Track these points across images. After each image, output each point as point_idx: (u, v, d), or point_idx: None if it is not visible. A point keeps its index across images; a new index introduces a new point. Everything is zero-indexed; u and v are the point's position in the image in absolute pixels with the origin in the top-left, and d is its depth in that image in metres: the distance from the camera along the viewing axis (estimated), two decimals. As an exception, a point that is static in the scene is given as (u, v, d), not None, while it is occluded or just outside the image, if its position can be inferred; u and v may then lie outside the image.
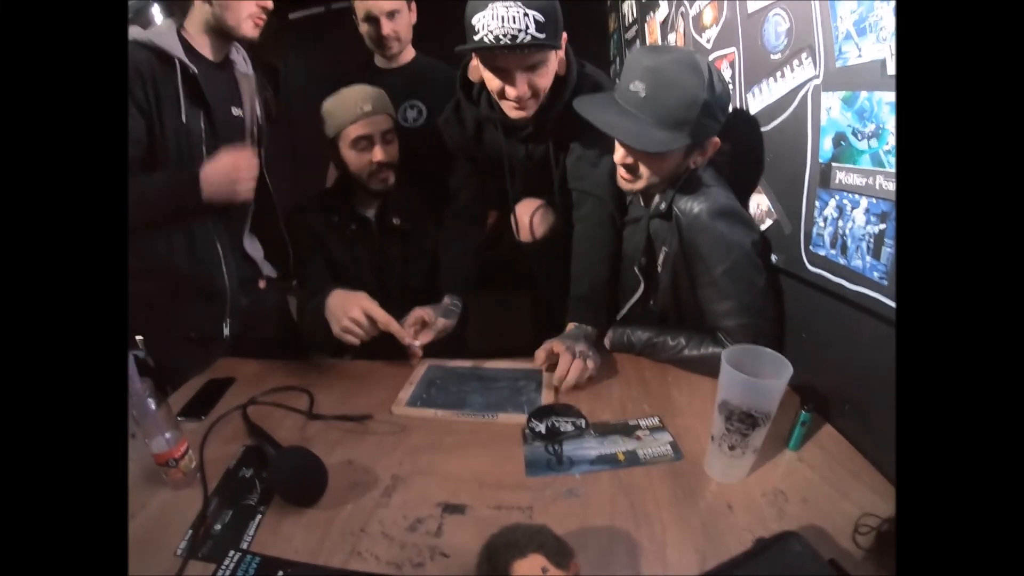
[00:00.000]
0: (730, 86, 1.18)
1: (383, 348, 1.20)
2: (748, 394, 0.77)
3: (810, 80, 0.91)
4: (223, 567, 0.70)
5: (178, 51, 1.10)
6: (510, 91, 1.12)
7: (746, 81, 1.13)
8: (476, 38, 1.05)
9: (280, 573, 0.69)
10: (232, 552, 0.72)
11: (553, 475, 0.85)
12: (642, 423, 0.96)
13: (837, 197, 0.86)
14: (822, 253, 0.91)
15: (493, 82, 1.14)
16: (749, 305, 1.05)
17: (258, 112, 1.30)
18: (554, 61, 1.15)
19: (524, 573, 0.59)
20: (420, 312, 1.25)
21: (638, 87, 1.01)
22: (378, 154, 1.34)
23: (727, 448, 0.80)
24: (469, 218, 1.45)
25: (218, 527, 0.77)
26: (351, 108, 1.33)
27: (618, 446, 0.90)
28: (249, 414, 1.02)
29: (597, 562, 0.69)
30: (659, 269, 1.13)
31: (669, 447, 0.90)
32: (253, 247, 1.37)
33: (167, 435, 0.83)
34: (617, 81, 1.09)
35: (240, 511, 0.80)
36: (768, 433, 0.80)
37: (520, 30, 1.03)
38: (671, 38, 1.55)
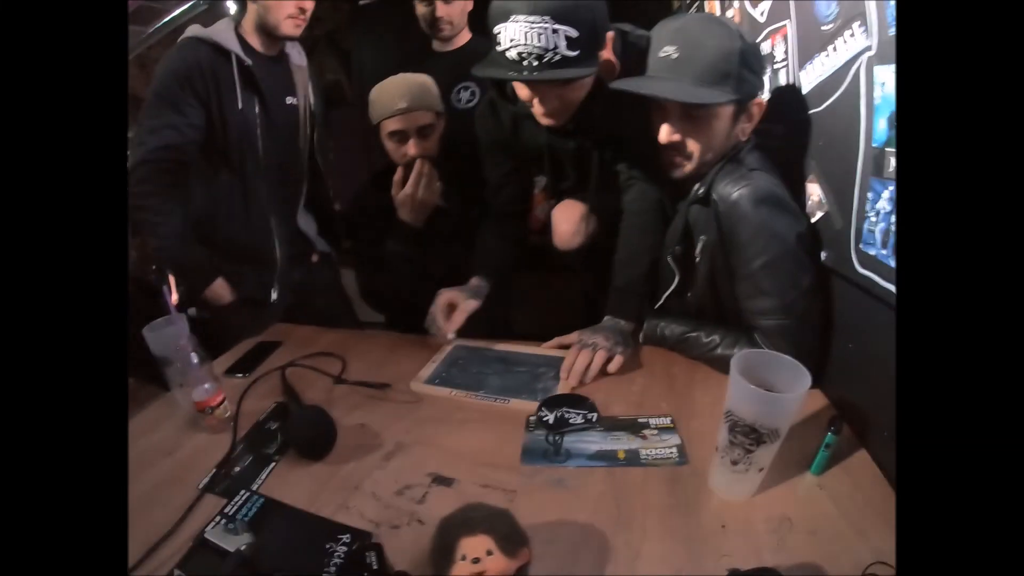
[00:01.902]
0: (784, 63, 1.07)
1: (419, 322, 1.22)
2: (754, 406, 0.70)
3: (863, 52, 0.80)
4: (232, 503, 0.78)
5: (234, 46, 1.21)
6: (537, 108, 1.03)
7: (800, 57, 1.01)
8: (499, 49, 0.92)
9: (277, 513, 0.76)
10: (243, 491, 0.80)
11: (547, 464, 0.83)
12: (652, 422, 0.91)
13: (891, 188, 0.74)
14: (872, 252, 0.79)
15: (522, 91, 1.03)
16: (790, 305, 0.95)
17: (311, 100, 1.38)
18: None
19: (467, 551, 0.59)
20: (448, 295, 1.22)
21: (668, 51, 0.93)
22: (412, 148, 1.33)
23: (730, 462, 0.74)
24: (512, 214, 1.37)
25: (237, 469, 0.86)
26: (387, 103, 1.33)
27: (621, 443, 0.87)
28: (287, 375, 1.08)
29: (560, 557, 0.67)
30: (696, 259, 1.05)
31: (675, 450, 0.85)
32: (307, 223, 1.47)
33: (206, 385, 0.94)
34: (648, 59, 0.98)
35: (259, 458, 0.88)
36: (790, 451, 0.73)
37: (547, 49, 0.89)
38: (729, 13, 1.43)
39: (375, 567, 0.58)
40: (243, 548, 0.67)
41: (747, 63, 0.91)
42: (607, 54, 1.01)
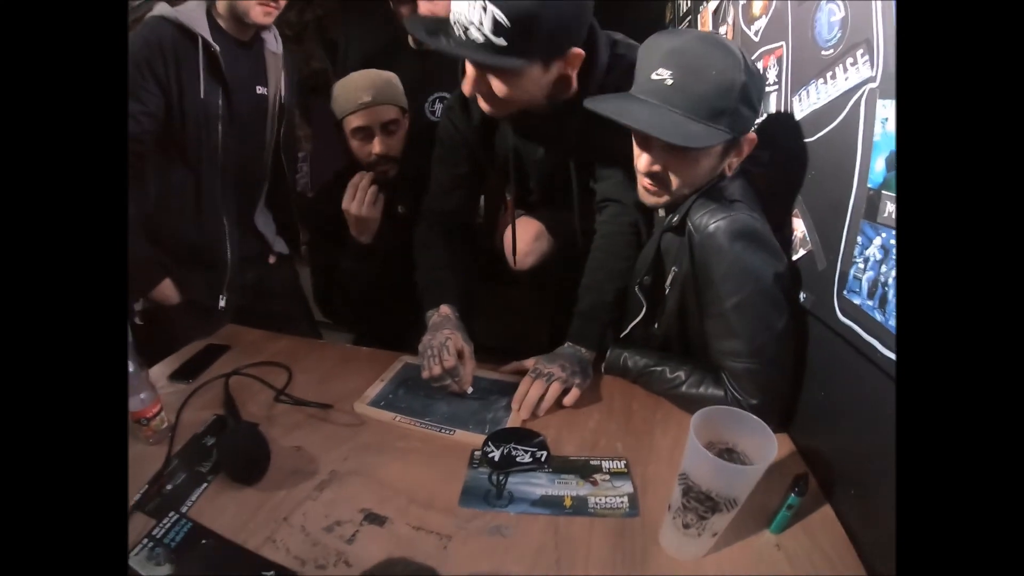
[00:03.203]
0: (776, 87, 1.00)
1: (376, 334, 1.15)
2: (712, 476, 0.64)
3: (865, 83, 0.73)
4: (160, 525, 0.72)
5: (202, 29, 1.11)
6: (464, 84, 0.93)
7: (793, 82, 0.94)
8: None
9: (203, 542, 0.70)
10: (172, 513, 0.74)
11: (486, 508, 0.76)
12: (605, 465, 0.85)
13: (884, 235, 0.67)
14: (857, 301, 0.73)
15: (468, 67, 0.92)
16: (761, 348, 0.88)
17: (283, 91, 1.29)
18: (535, 74, 0.89)
19: None
20: (458, 341, 1.03)
21: (663, 74, 0.82)
22: (376, 146, 1.27)
23: (681, 524, 0.68)
24: (452, 228, 1.22)
25: (169, 487, 0.79)
26: (351, 97, 1.26)
27: (569, 488, 0.80)
28: (230, 384, 1.00)
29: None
30: (666, 290, 0.98)
31: (626, 499, 0.78)
32: (265, 223, 1.38)
33: (142, 395, 0.85)
34: (637, 75, 0.88)
35: (192, 476, 0.81)
36: (750, 503, 0.66)
37: (471, 24, 0.81)
38: (722, 30, 1.33)
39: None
40: None
41: (746, 98, 0.82)
42: (565, 68, 0.92)
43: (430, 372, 0.97)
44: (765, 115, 1.04)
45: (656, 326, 1.04)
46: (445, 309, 1.09)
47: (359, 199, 1.21)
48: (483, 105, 0.96)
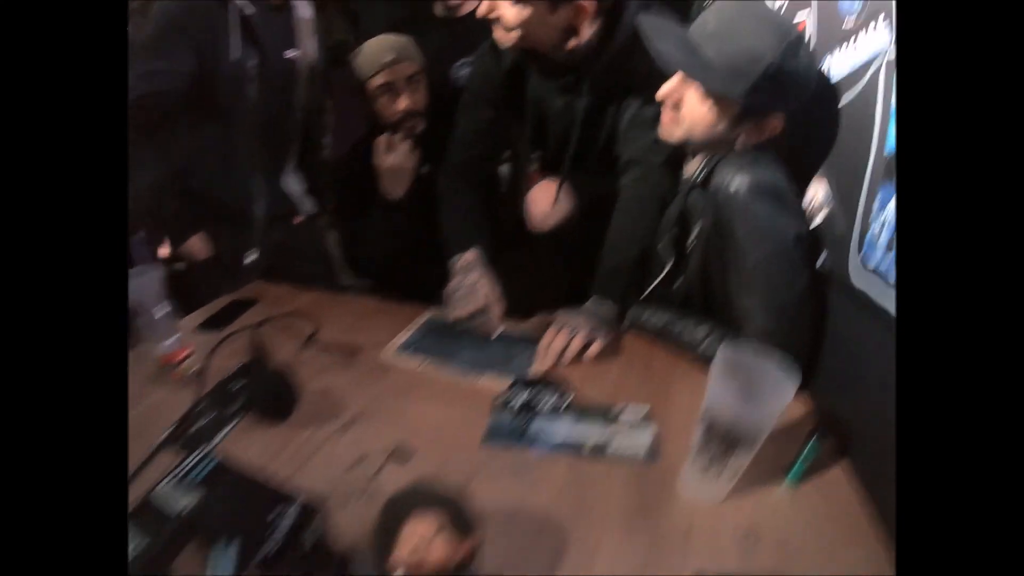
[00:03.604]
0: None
1: (403, 292, 1.15)
2: (734, 408, 0.64)
3: (883, 52, 0.73)
4: (187, 462, 0.71)
5: None
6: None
7: (817, 52, 0.94)
8: None
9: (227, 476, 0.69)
10: (198, 451, 0.74)
11: (509, 448, 0.77)
12: (626, 412, 0.85)
13: None
14: (872, 265, 0.73)
15: None
16: (781, 308, 0.88)
17: (314, 55, 1.29)
18: (540, 11, 0.93)
19: (410, 534, 0.53)
20: (486, 284, 1.07)
21: (708, 19, 0.85)
22: (403, 102, 1.28)
23: (702, 463, 0.68)
24: (475, 179, 1.22)
25: (196, 427, 0.80)
26: (374, 58, 1.27)
27: (590, 433, 0.81)
28: (258, 333, 1.01)
29: (513, 547, 0.63)
30: (690, 247, 0.98)
31: (646, 446, 0.79)
32: (294, 183, 1.38)
33: (173, 339, 0.88)
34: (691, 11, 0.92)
35: (220, 417, 0.83)
36: (767, 456, 0.67)
37: None
38: None
39: (307, 548, 0.52)
40: (184, 512, 0.61)
41: (774, 78, 0.81)
42: (574, 18, 0.95)
43: (459, 312, 0.97)
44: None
45: (678, 284, 1.03)
46: (471, 254, 1.10)
47: (392, 151, 1.22)
48: (499, 35, 0.98)
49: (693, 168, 0.99)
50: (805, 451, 0.72)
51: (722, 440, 0.66)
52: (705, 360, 0.94)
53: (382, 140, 1.22)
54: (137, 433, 0.77)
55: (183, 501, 0.65)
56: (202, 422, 0.81)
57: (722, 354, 0.67)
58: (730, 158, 0.89)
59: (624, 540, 0.65)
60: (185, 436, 0.78)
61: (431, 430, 0.80)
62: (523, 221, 1.24)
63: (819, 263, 0.90)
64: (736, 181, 0.86)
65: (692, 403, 0.85)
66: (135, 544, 0.59)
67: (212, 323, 1.08)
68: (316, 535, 0.56)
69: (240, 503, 0.66)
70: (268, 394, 0.82)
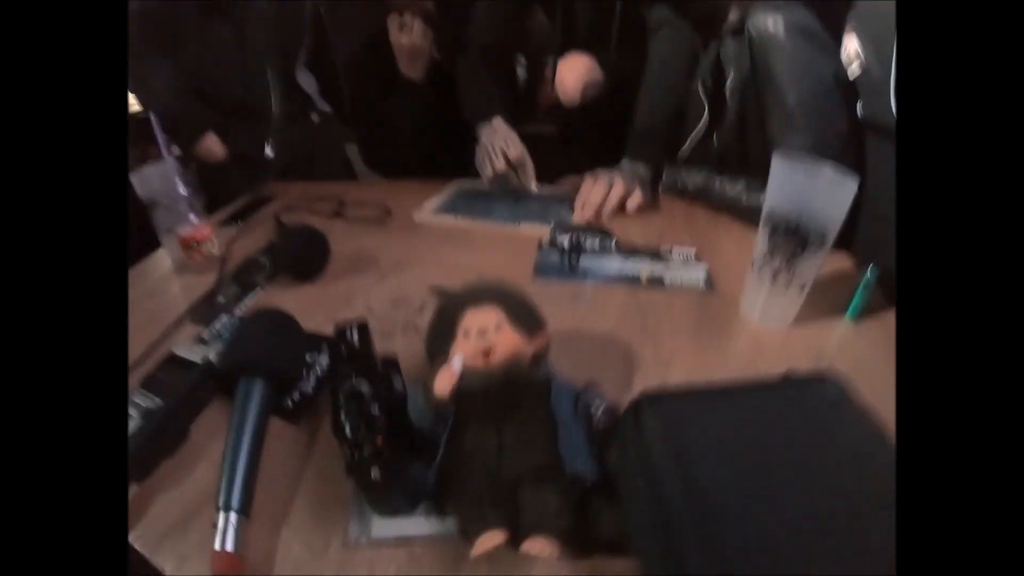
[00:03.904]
0: None
1: (424, 170, 1.05)
2: (800, 198, 0.56)
3: None
4: (210, 328, 0.63)
5: None
6: None
7: None
8: None
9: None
10: (223, 316, 0.66)
11: (562, 280, 0.68)
12: (675, 251, 0.76)
13: None
14: None
15: None
16: (824, 146, 0.78)
17: None
18: None
19: (472, 325, 0.43)
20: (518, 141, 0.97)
21: None
22: None
23: (769, 276, 0.59)
24: (492, 63, 1.10)
25: (220, 299, 0.70)
26: None
27: (643, 267, 0.71)
28: (281, 216, 0.92)
29: (581, 362, 0.54)
30: (727, 97, 0.88)
31: (701, 277, 0.70)
32: (308, 81, 1.27)
33: (192, 217, 0.77)
34: None
35: (245, 287, 0.73)
36: (823, 300, 0.59)
37: None
38: None
39: (356, 344, 0.42)
40: (212, 357, 0.52)
41: None
42: None
43: (494, 169, 0.87)
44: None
45: (715, 140, 0.93)
46: (497, 121, 0.99)
47: (408, 29, 1.09)
48: None
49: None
50: (863, 281, 0.63)
51: (789, 241, 0.57)
52: (746, 213, 0.86)
53: (394, 19, 1.10)
54: (155, 316, 0.66)
55: (209, 349, 0.57)
56: (227, 292, 0.71)
57: (778, 157, 0.58)
58: (764, 3, 0.81)
59: (697, 357, 0.57)
60: (209, 307, 0.68)
61: (476, 269, 0.70)
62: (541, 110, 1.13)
63: (858, 110, 0.80)
64: (773, 21, 0.79)
65: (739, 251, 0.78)
66: (154, 402, 0.50)
67: (232, 219, 0.98)
68: (354, 337, 0.46)
69: (272, 345, 0.57)
70: (299, 248, 0.72)
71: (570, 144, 1.12)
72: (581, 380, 0.46)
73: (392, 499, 0.36)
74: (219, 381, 0.50)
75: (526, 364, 0.42)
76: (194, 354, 0.57)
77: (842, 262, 0.74)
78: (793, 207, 0.56)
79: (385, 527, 0.39)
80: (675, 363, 0.55)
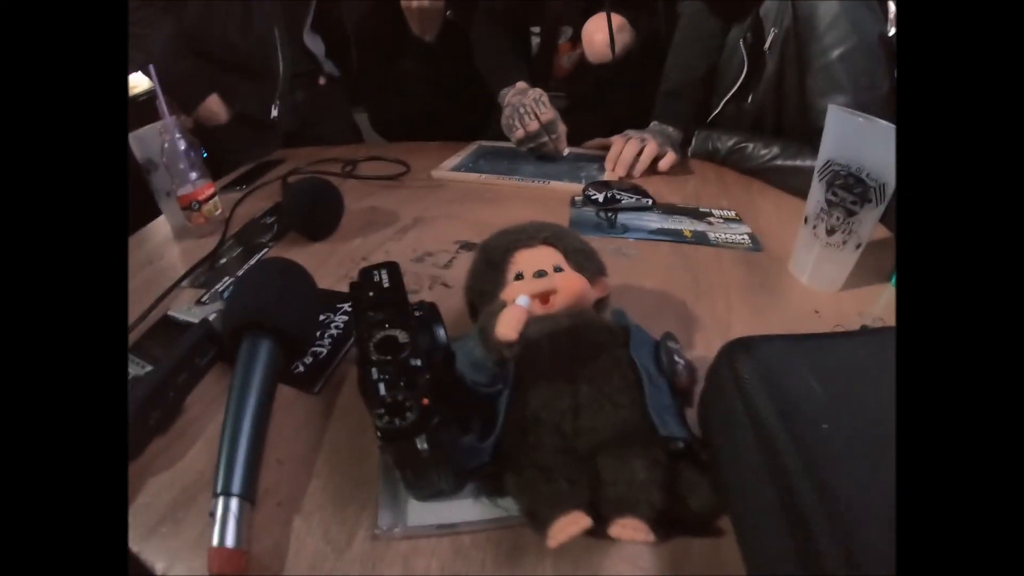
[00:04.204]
0: None
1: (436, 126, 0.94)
2: (860, 149, 0.46)
3: None
4: (212, 290, 0.54)
5: None
6: None
7: None
8: None
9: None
10: (225, 278, 0.56)
11: (601, 235, 0.58)
12: (716, 211, 0.66)
13: None
14: None
15: None
16: (865, 106, 0.69)
17: None
18: None
19: (525, 267, 0.34)
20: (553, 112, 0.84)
21: None
22: None
23: (824, 232, 0.50)
24: (510, 26, 1.00)
25: (223, 261, 0.60)
26: None
27: (685, 225, 0.62)
28: (288, 180, 0.81)
29: (635, 318, 0.44)
30: (766, 53, 0.77)
31: (747, 237, 0.60)
32: (314, 43, 1.14)
33: (192, 175, 0.65)
34: None
35: (249, 248, 0.63)
36: (865, 264, 0.50)
37: None
38: None
39: (385, 284, 0.32)
40: (211, 317, 0.42)
41: None
42: None
43: (526, 129, 0.76)
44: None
45: (750, 100, 0.83)
46: (522, 85, 0.88)
47: None
48: None
49: None
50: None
51: (849, 192, 0.48)
52: (780, 175, 0.77)
53: None
54: (152, 281, 0.56)
55: (208, 310, 0.47)
56: (229, 255, 0.61)
57: (832, 109, 0.49)
58: None
59: (755, 315, 0.48)
60: (210, 271, 0.58)
61: (506, 223, 0.60)
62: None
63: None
64: None
65: (777, 213, 0.69)
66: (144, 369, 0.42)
67: (237, 181, 0.87)
68: (384, 278, 0.35)
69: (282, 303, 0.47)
70: (309, 201, 0.61)
71: (594, 110, 1.00)
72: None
73: (439, 478, 0.27)
74: (220, 345, 0.41)
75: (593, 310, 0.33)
76: (192, 316, 0.47)
77: (883, 231, 0.66)
78: (853, 157, 0.47)
79: (424, 513, 0.29)
80: (735, 323, 0.46)
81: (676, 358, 0.31)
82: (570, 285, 0.33)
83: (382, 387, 0.24)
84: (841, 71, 0.70)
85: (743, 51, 0.79)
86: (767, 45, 0.77)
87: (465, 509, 0.29)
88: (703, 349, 0.42)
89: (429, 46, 1.02)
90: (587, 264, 0.36)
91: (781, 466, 0.24)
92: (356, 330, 0.29)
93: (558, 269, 0.34)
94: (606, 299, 0.37)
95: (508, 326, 0.25)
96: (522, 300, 0.26)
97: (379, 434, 0.23)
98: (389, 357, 0.25)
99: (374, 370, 0.24)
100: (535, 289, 0.32)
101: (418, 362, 0.25)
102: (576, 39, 1.00)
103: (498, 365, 0.26)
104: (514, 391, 0.28)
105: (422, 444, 0.23)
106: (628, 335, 0.31)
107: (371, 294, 0.30)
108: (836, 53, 0.69)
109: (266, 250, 0.61)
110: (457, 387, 0.27)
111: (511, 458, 0.27)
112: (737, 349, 0.30)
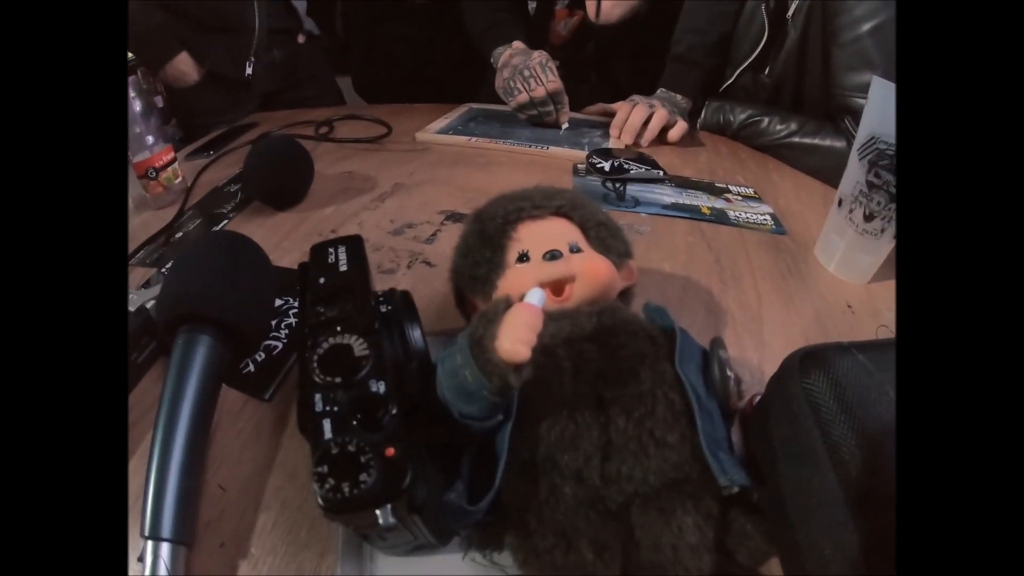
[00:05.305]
0: None
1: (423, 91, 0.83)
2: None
3: None
4: (161, 272, 0.45)
5: None
6: None
7: None
8: None
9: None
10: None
11: (609, 208, 0.50)
12: (733, 188, 0.58)
13: None
14: None
15: None
16: None
17: None
18: None
19: (532, 245, 0.25)
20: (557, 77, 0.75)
21: None
22: None
23: (861, 218, 0.42)
24: None
25: (180, 235, 0.51)
26: None
27: (702, 201, 0.54)
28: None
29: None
30: (789, 21, 0.69)
31: (769, 217, 0.53)
32: None
33: (149, 139, 0.56)
34: None
35: (209, 219, 0.54)
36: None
37: None
38: None
39: (343, 266, 0.24)
40: (150, 304, 0.35)
41: None
42: None
43: (531, 94, 0.67)
44: None
45: (767, 72, 0.74)
46: (518, 44, 0.78)
47: None
48: None
49: None
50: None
51: (892, 178, 0.40)
52: (797, 153, 0.68)
53: None
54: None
55: (148, 294, 0.38)
56: (187, 228, 0.52)
57: (877, 81, 0.41)
58: None
59: (787, 306, 0.40)
60: (164, 247, 0.49)
61: (500, 191, 0.52)
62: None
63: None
64: None
65: (796, 193, 0.61)
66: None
67: (205, 147, 0.76)
68: (340, 259, 0.26)
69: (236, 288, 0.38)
70: (273, 164, 0.52)
71: (591, 81, 0.90)
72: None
73: (416, 536, 0.19)
74: (159, 338, 0.33)
75: (621, 306, 0.24)
76: (132, 303, 0.38)
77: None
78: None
79: (397, 565, 0.22)
80: (767, 316, 0.39)
81: (729, 372, 0.23)
82: (593, 270, 0.25)
83: (327, 426, 0.15)
84: (872, 46, 0.61)
85: (764, 17, 0.70)
86: (790, 12, 0.68)
87: (450, 566, 0.22)
88: (734, 349, 0.35)
89: (418, 7, 0.91)
90: (612, 243, 0.27)
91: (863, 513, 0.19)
92: (298, 335, 0.20)
93: (575, 249, 0.26)
94: (631, 289, 0.29)
95: (516, 338, 0.16)
96: (535, 296, 0.18)
97: (320, 503, 0.15)
98: (339, 379, 0.17)
99: (318, 398, 0.16)
100: (547, 275, 0.24)
101: (381, 387, 0.16)
102: (574, 4, 0.89)
103: (499, 394, 0.18)
104: (519, 423, 0.20)
105: (386, 519, 0.15)
106: (672, 342, 0.23)
107: (322, 280, 0.22)
108: (868, 26, 0.61)
109: (225, 222, 0.52)
110: (437, 412, 0.19)
111: (515, 515, 0.19)
112: (810, 365, 0.23)
